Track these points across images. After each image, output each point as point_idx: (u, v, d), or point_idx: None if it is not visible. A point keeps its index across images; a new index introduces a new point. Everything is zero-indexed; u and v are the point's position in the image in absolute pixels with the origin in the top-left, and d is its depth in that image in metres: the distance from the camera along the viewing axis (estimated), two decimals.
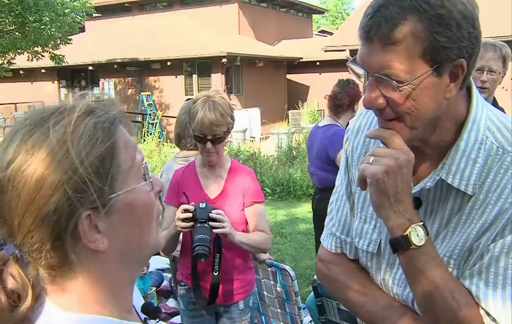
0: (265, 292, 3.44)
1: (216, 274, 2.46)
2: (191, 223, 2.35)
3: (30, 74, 22.37)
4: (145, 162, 0.87)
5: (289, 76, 24.13)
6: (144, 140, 15.02)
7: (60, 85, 23.45)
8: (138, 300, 0.97)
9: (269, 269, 3.29)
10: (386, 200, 1.07)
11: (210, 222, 2.33)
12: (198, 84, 20.69)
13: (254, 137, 18.98)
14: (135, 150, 0.85)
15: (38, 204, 0.72)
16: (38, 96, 21.29)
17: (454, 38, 1.00)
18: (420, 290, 1.09)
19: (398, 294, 1.22)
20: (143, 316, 0.94)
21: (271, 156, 12.62)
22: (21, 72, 21.74)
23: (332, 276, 1.36)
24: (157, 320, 0.96)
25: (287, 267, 3.15)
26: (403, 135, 1.08)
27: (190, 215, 2.34)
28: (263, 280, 3.40)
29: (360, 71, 1.09)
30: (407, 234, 1.06)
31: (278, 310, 3.40)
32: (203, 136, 2.46)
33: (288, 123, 19.86)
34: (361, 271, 1.31)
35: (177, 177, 2.65)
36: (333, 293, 1.40)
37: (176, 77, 20.71)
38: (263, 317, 3.60)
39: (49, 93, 22.49)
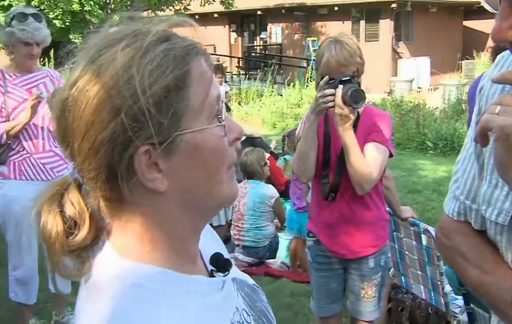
0: (406, 252, 3.24)
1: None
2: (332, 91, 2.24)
3: (204, 19, 23.58)
4: (222, 101, 0.78)
5: (465, 23, 22.05)
6: (307, 85, 15.06)
7: (231, 30, 24.40)
8: (211, 249, 0.90)
9: (411, 228, 3.07)
10: None
11: None
12: (365, 31, 19.97)
13: (421, 88, 17.91)
14: (209, 85, 0.76)
15: (96, 129, 0.68)
16: (211, 40, 22.47)
17: None
18: None
19: None
20: (210, 267, 0.87)
21: (436, 108, 11.80)
22: (196, 16, 23.05)
23: (451, 246, 1.16)
24: (226, 273, 0.85)
25: (430, 228, 2.91)
26: None
27: (333, 90, 2.24)
28: (404, 239, 3.20)
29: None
30: None
31: (419, 272, 3.18)
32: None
33: (460, 74, 18.29)
34: (487, 245, 1.09)
35: None
36: (451, 266, 1.20)
37: (343, 22, 20.16)
38: (402, 277, 3.40)
39: (220, 37, 23.57)
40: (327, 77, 2.28)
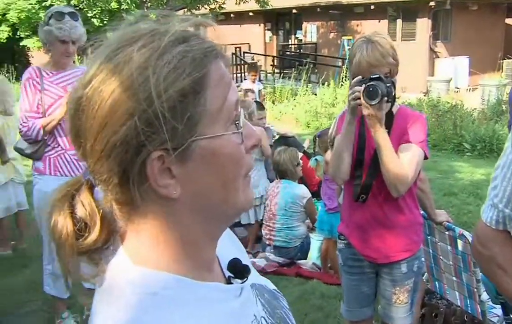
0: (440, 257, 3.15)
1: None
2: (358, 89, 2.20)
3: (239, 17, 23.64)
4: (240, 108, 0.75)
5: (508, 21, 21.41)
6: (342, 85, 14.91)
7: (266, 28, 24.38)
8: (229, 254, 0.87)
9: (446, 232, 2.98)
10: None
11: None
12: (401, 30, 19.63)
13: (459, 88, 17.49)
14: (228, 89, 0.72)
15: (109, 131, 0.66)
16: (246, 38, 22.51)
17: None
18: None
19: None
20: (228, 274, 0.84)
21: (474, 109, 11.50)
22: (231, 15, 23.12)
23: (489, 256, 1.11)
24: (244, 280, 0.82)
25: (466, 233, 2.81)
26: None
27: (359, 88, 2.19)
28: (439, 244, 3.12)
29: None
30: None
31: (454, 278, 3.09)
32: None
33: (501, 73, 17.78)
34: None
35: None
36: (488, 276, 1.15)
37: (379, 21, 19.87)
38: (436, 282, 3.31)
39: (255, 36, 23.58)
40: (359, 76, 2.23)
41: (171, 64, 0.67)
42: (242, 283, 0.82)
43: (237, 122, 0.74)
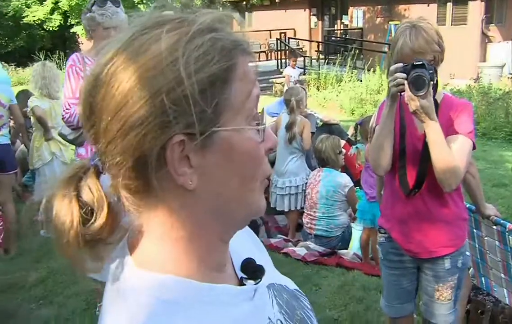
0: (487, 252, 3.01)
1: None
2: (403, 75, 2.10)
3: (284, 2, 23.46)
4: (263, 107, 0.73)
5: None
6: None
7: (311, 13, 24.08)
8: (244, 254, 0.82)
9: (494, 227, 2.85)
10: None
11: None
12: (452, 13, 18.96)
13: None
14: (252, 86, 0.70)
15: (129, 110, 0.63)
16: (291, 24, 22.33)
17: None
18: None
19: None
20: (241, 274, 0.80)
21: None
22: (276, 0, 22.97)
23: None
24: (257, 281, 0.78)
25: None
26: None
27: (403, 75, 2.09)
28: (486, 238, 2.98)
29: None
30: None
31: (502, 275, 2.95)
32: None
33: None
34: None
35: None
36: None
37: (428, 5, 19.25)
38: (483, 278, 3.18)
39: (300, 21, 23.35)
40: (400, 63, 2.13)
41: (201, 48, 0.65)
42: (255, 284, 0.77)
43: (257, 121, 0.71)
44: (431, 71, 2.06)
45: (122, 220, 0.72)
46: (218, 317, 0.69)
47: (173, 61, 0.63)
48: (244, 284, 0.78)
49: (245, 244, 0.85)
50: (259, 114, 0.71)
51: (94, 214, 0.69)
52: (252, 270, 0.79)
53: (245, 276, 0.79)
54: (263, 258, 0.85)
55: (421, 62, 2.06)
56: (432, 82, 2.05)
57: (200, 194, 0.67)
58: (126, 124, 0.63)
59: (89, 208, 0.69)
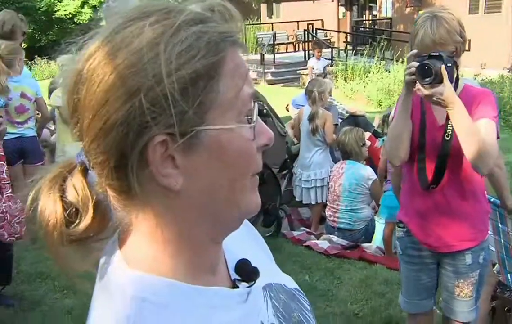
0: None
1: (448, 138, 2.14)
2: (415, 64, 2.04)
3: None
4: (255, 102, 0.68)
5: None
6: None
7: (339, 4, 23.80)
8: (240, 254, 0.79)
9: None
10: None
11: None
12: (485, 1, 18.46)
13: None
14: (243, 80, 0.66)
15: (110, 108, 0.61)
16: (319, 14, 22.11)
17: None
18: None
19: None
20: (234, 276, 0.76)
21: None
22: None
23: None
24: (251, 283, 0.74)
25: None
26: None
27: (416, 63, 2.03)
28: (511, 233, 2.89)
29: None
30: None
31: None
32: None
33: None
34: None
35: None
36: None
37: None
38: (509, 275, 3.08)
39: (328, 11, 23.10)
40: (415, 51, 2.07)
41: (184, 43, 0.62)
42: (249, 286, 0.74)
43: (249, 117, 0.67)
44: (449, 65, 1.99)
45: (113, 216, 0.70)
46: (207, 321, 0.66)
47: (154, 57, 0.60)
48: (237, 286, 0.74)
49: (242, 243, 0.81)
50: (252, 109, 0.67)
51: (79, 215, 0.67)
52: (246, 272, 0.76)
53: (238, 278, 0.76)
54: (263, 255, 0.82)
55: (439, 54, 1.99)
56: (447, 74, 1.98)
57: (188, 195, 0.65)
58: (107, 123, 0.61)
59: (74, 208, 0.67)
